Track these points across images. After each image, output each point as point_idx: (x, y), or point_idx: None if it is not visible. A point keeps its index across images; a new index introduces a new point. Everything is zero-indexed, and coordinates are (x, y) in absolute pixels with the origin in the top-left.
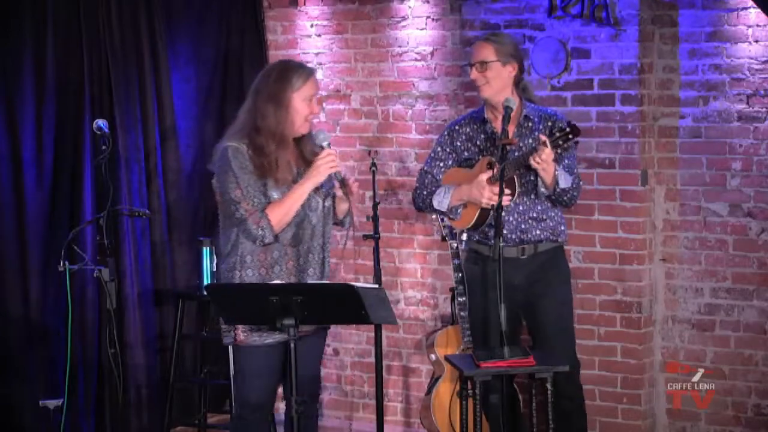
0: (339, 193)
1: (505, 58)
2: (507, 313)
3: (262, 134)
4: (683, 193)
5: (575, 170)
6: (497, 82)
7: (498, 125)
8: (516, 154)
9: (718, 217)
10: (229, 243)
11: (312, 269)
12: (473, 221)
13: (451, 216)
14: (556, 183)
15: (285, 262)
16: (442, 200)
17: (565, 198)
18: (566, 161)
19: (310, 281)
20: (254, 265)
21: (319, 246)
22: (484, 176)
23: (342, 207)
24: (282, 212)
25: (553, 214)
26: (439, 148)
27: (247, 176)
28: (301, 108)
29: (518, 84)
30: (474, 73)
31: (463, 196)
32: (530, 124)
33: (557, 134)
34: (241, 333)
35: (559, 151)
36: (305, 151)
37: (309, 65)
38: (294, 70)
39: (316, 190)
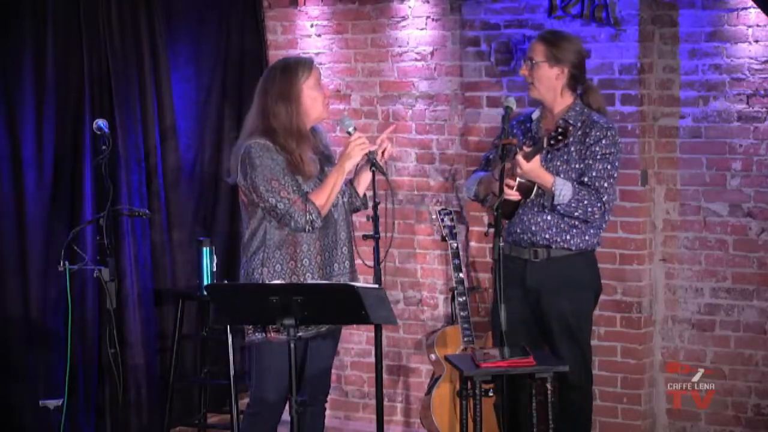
0: (363, 176)
1: (554, 60)
2: (520, 314)
3: (279, 133)
4: (683, 193)
5: (602, 184)
6: (542, 84)
7: (546, 124)
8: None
9: (718, 217)
10: (255, 240)
11: (338, 264)
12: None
13: (485, 204)
14: (556, 197)
15: (314, 255)
16: (470, 187)
17: (574, 214)
18: (593, 173)
19: (336, 276)
20: (283, 260)
21: (342, 241)
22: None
23: (364, 182)
24: (325, 196)
25: (571, 220)
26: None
27: (280, 168)
28: (316, 94)
29: (575, 88)
30: (523, 70)
31: (486, 184)
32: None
33: (551, 133)
34: (272, 329)
35: (552, 149)
36: (320, 144)
37: None
38: (296, 63)
39: None
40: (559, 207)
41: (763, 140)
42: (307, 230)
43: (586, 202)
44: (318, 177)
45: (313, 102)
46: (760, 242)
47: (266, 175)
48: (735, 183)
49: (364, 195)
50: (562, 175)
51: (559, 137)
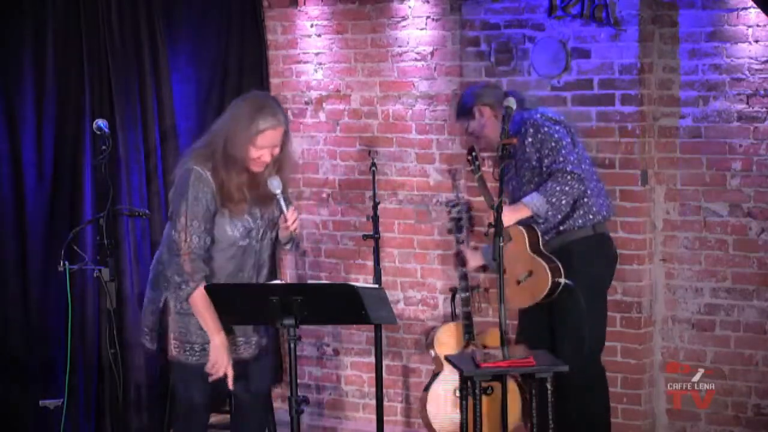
0: (282, 224)
1: (477, 114)
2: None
3: (224, 152)
4: (683, 193)
5: (557, 159)
6: (489, 130)
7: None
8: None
9: (718, 217)
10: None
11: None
12: None
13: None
14: (537, 212)
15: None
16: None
17: (563, 208)
18: (545, 162)
19: None
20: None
21: (263, 276)
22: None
23: (284, 233)
24: (198, 313)
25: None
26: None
27: (197, 209)
28: (251, 152)
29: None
30: (472, 140)
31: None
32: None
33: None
34: (173, 349)
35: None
36: (261, 183)
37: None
38: (262, 116)
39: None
40: (549, 215)
41: (763, 140)
42: (172, 289)
43: (558, 188)
44: (247, 215)
45: (249, 158)
46: (760, 242)
47: (182, 208)
48: (735, 183)
49: (288, 242)
50: (511, 186)
51: (505, 161)
